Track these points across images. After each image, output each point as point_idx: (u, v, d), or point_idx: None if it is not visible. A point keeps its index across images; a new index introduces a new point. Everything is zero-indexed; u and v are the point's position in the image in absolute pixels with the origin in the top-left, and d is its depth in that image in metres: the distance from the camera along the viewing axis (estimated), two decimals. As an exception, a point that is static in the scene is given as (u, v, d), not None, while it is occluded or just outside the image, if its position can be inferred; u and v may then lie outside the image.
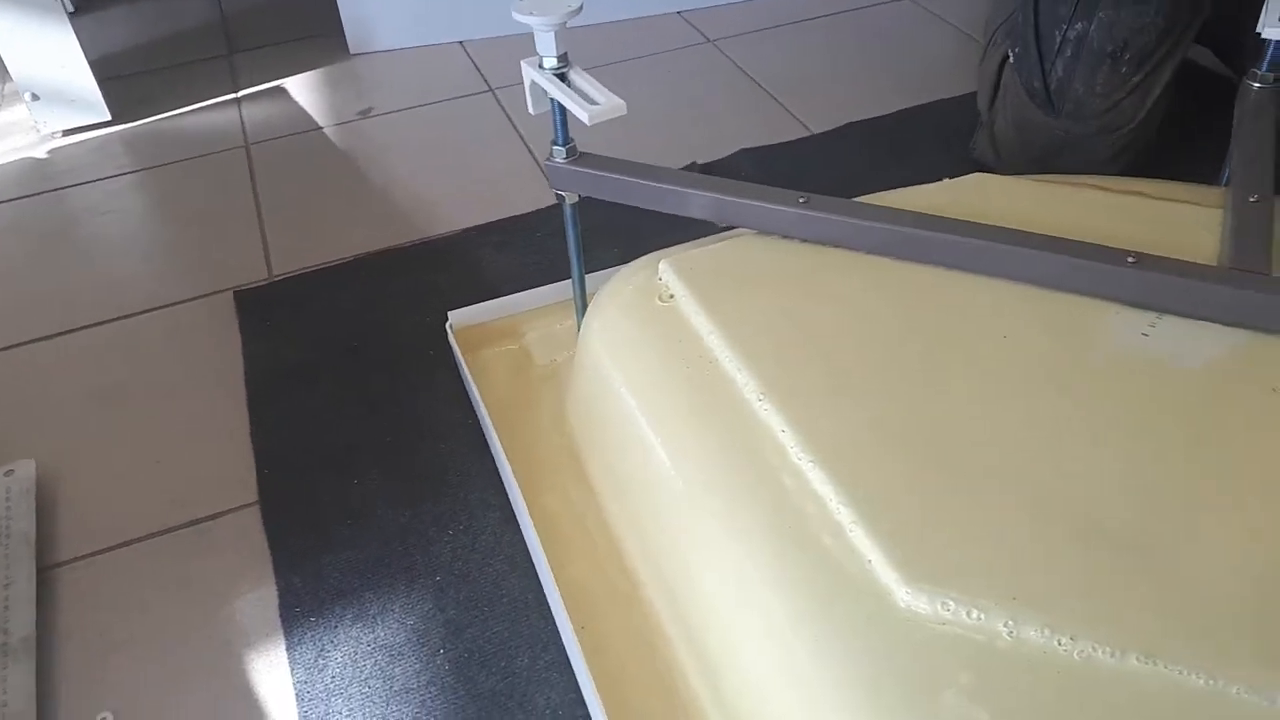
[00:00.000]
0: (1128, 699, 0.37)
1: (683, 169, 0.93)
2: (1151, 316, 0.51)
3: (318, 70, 1.16)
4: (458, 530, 0.61)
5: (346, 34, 1.17)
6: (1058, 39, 0.78)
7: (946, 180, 0.64)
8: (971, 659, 0.38)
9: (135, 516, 0.65)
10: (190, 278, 0.85)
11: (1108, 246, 0.52)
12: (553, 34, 0.57)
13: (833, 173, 0.91)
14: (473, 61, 1.14)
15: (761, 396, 0.49)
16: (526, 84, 0.60)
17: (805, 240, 0.59)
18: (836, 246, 0.58)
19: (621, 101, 0.57)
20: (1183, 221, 0.57)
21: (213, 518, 0.64)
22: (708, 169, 0.92)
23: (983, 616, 0.39)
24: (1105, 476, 0.44)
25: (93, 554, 0.62)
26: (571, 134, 0.61)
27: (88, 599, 0.60)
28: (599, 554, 0.57)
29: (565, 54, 0.59)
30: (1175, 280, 0.51)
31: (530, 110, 0.60)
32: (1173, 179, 0.66)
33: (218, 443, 0.70)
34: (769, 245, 0.59)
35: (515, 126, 1.02)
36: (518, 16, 0.57)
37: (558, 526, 0.59)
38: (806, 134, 0.96)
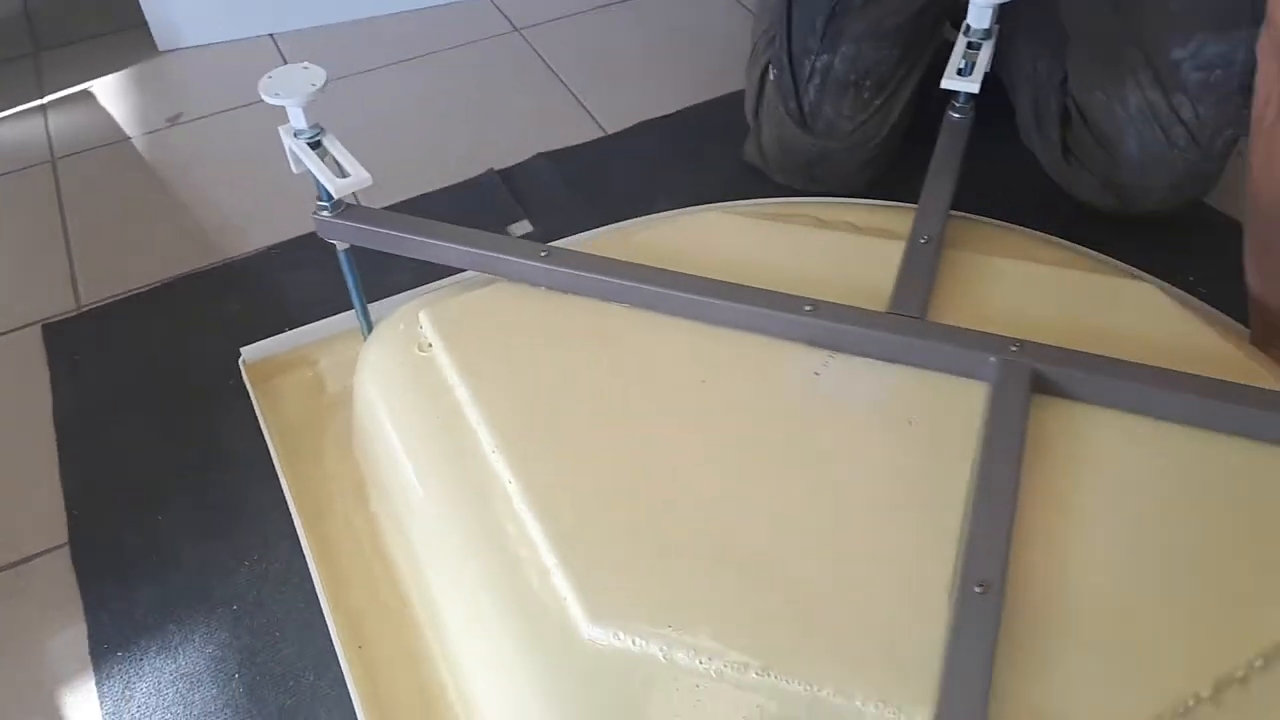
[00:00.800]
0: (751, 709, 0.46)
1: (481, 175, 0.98)
2: (825, 355, 0.60)
3: (128, 70, 1.16)
4: (253, 560, 0.68)
5: (151, 29, 1.16)
6: (808, 67, 0.85)
7: (684, 218, 0.72)
8: (633, 682, 0.48)
9: (-51, 564, 0.69)
10: (-5, 312, 0.88)
11: (791, 295, 0.61)
12: (300, 110, 0.62)
13: (623, 177, 0.97)
14: (283, 58, 1.16)
15: (495, 449, 0.57)
16: (285, 147, 0.65)
17: (550, 288, 0.66)
18: (576, 294, 0.65)
19: (367, 175, 0.63)
20: (873, 259, 0.66)
21: (24, 561, 0.70)
22: (505, 175, 0.98)
23: (644, 643, 0.48)
24: (765, 506, 0.53)
25: (-90, 603, 0.67)
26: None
27: (-94, 647, 0.65)
28: (375, 578, 0.65)
29: (317, 124, 0.64)
30: (843, 326, 0.59)
31: (292, 169, 0.65)
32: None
33: (28, 485, 0.74)
34: (521, 293, 0.66)
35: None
36: (266, 98, 0.61)
37: (338, 552, 0.66)
38: (601, 134, 1.02)
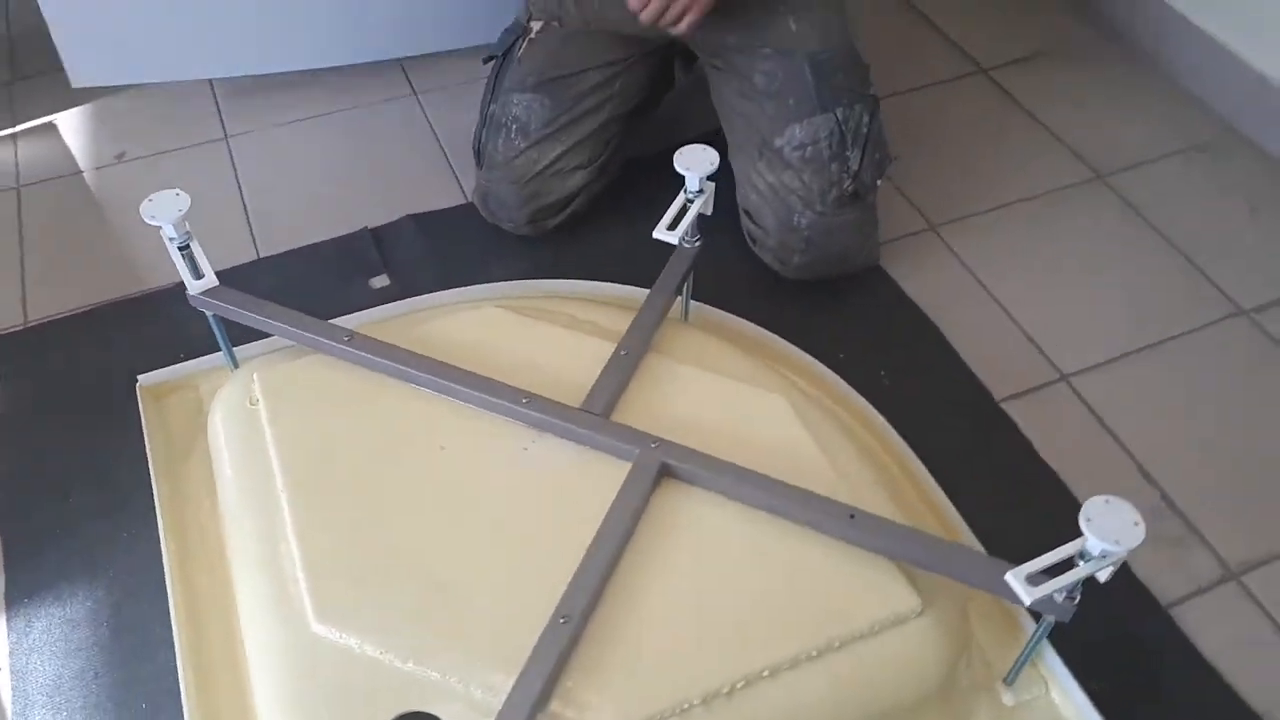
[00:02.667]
0: (401, 688, 0.71)
1: (356, 232, 1.21)
2: (534, 435, 0.84)
3: (89, 105, 1.38)
4: (131, 535, 0.93)
5: (67, 68, 1.29)
6: (482, 114, 1.16)
7: (466, 314, 0.95)
8: (341, 666, 0.72)
9: None
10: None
11: (515, 388, 0.84)
12: (171, 225, 0.85)
13: (476, 241, 1.20)
14: (217, 105, 1.38)
15: (281, 489, 0.81)
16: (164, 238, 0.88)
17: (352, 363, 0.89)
18: (368, 369, 0.89)
19: (214, 280, 0.86)
20: (590, 360, 0.89)
21: (-36, 527, 0.95)
22: (376, 233, 1.21)
23: (349, 639, 0.73)
24: (462, 546, 0.78)
25: None
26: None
27: None
28: (211, 562, 0.89)
29: (187, 234, 0.87)
30: (545, 416, 0.83)
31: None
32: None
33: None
34: (331, 364, 0.89)
35: (237, 178, 1.28)
36: (145, 219, 0.84)
37: (188, 537, 0.89)
38: (464, 202, 1.25)
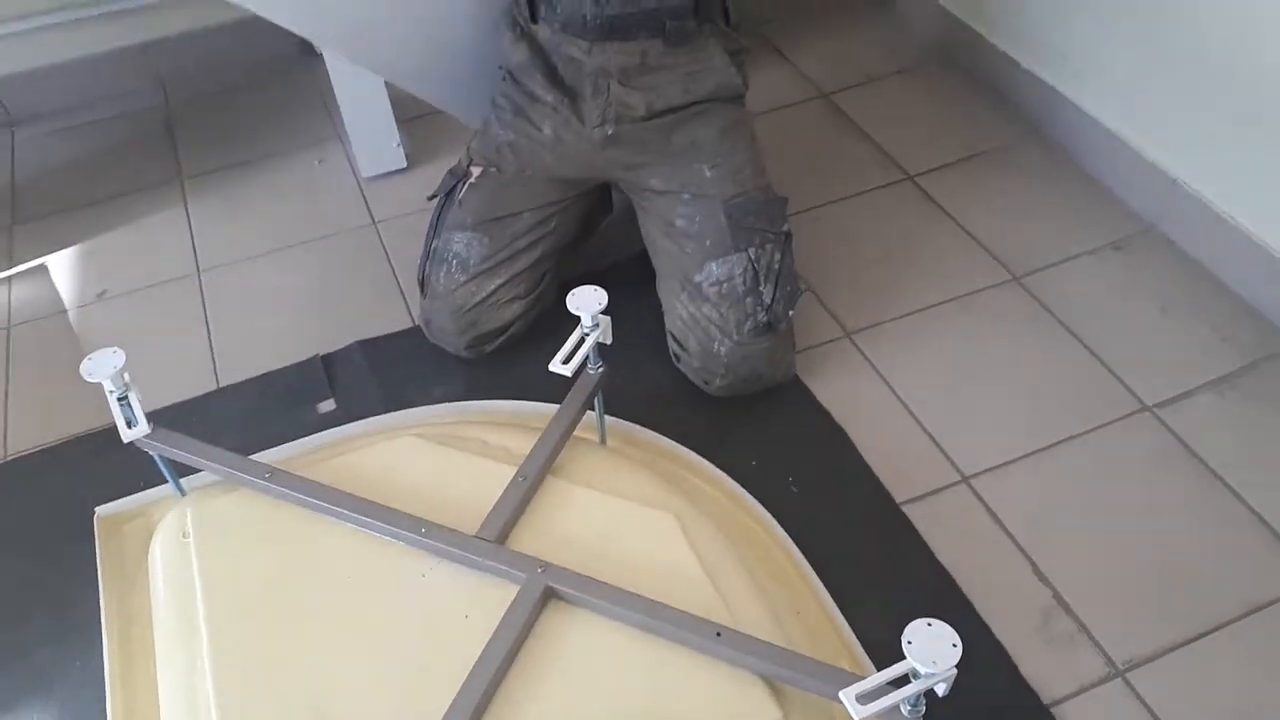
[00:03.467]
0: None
1: (308, 360, 1.30)
2: (433, 562, 0.91)
3: (80, 245, 1.51)
4: (84, 661, 1.01)
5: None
6: (427, 244, 1.24)
7: (382, 446, 1.03)
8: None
9: None
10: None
11: (414, 517, 0.91)
12: (109, 381, 0.94)
13: (418, 366, 1.28)
14: (192, 238, 1.50)
15: (203, 634, 0.88)
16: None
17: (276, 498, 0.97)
18: (288, 502, 0.96)
19: (147, 428, 0.95)
20: (491, 485, 0.96)
21: (-67, 655, 1.03)
22: (327, 359, 1.30)
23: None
24: (358, 668, 0.84)
25: None
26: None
27: None
28: (150, 680, 0.96)
29: (125, 385, 0.96)
30: (441, 544, 0.90)
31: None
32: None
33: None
34: (257, 499, 0.97)
35: (205, 312, 1.39)
36: (85, 376, 0.93)
37: (133, 657, 0.97)
38: (412, 326, 1.34)
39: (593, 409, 1.07)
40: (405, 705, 0.82)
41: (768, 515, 1.05)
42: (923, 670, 0.70)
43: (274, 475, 0.96)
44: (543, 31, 1.16)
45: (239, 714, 0.82)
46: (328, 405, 1.24)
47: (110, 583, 1.04)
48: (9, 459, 1.22)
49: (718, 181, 1.16)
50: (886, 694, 0.72)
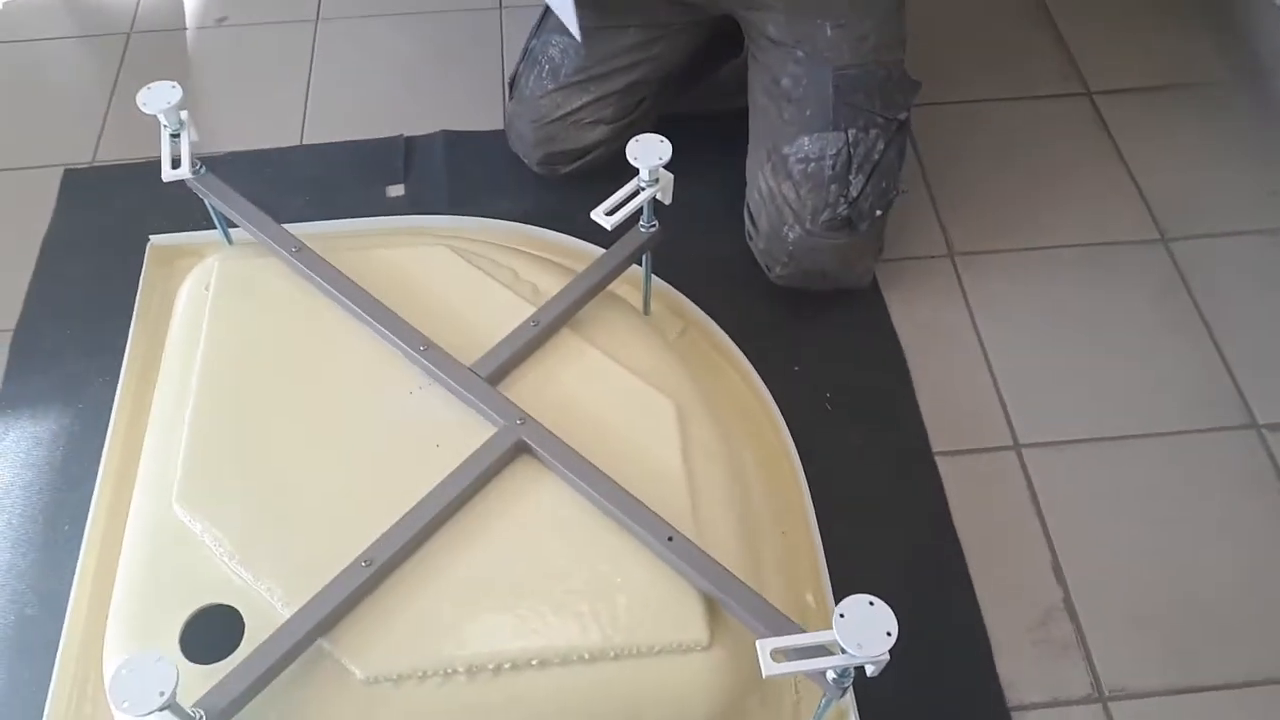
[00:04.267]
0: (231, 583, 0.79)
1: (393, 137, 1.26)
2: (423, 380, 0.88)
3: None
4: (108, 377, 1.05)
5: None
6: (522, 48, 1.17)
7: (414, 250, 0.99)
8: (188, 547, 0.81)
9: None
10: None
11: (417, 332, 0.88)
12: (163, 115, 0.92)
13: (493, 167, 1.22)
14: (320, -14, 1.45)
15: (193, 388, 0.89)
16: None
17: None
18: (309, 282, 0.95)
19: (189, 173, 0.93)
20: (505, 318, 0.91)
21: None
22: (410, 141, 1.26)
23: (197, 525, 0.81)
24: (332, 464, 0.84)
25: None
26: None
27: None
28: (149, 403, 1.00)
29: (180, 123, 0.94)
30: (434, 367, 0.87)
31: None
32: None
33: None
34: (283, 270, 0.96)
35: (312, 61, 1.35)
36: (140, 106, 0.91)
37: (147, 380, 1.01)
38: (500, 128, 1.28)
39: (639, 267, 1.01)
40: (350, 518, 0.81)
41: (784, 426, 0.99)
42: (846, 649, 0.65)
43: (301, 251, 0.94)
44: None
45: (201, 474, 0.84)
46: (397, 190, 1.21)
47: (144, 313, 1.06)
48: (95, 165, 1.25)
49: (836, 44, 1.02)
50: (803, 659, 0.67)
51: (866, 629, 0.64)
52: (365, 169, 1.23)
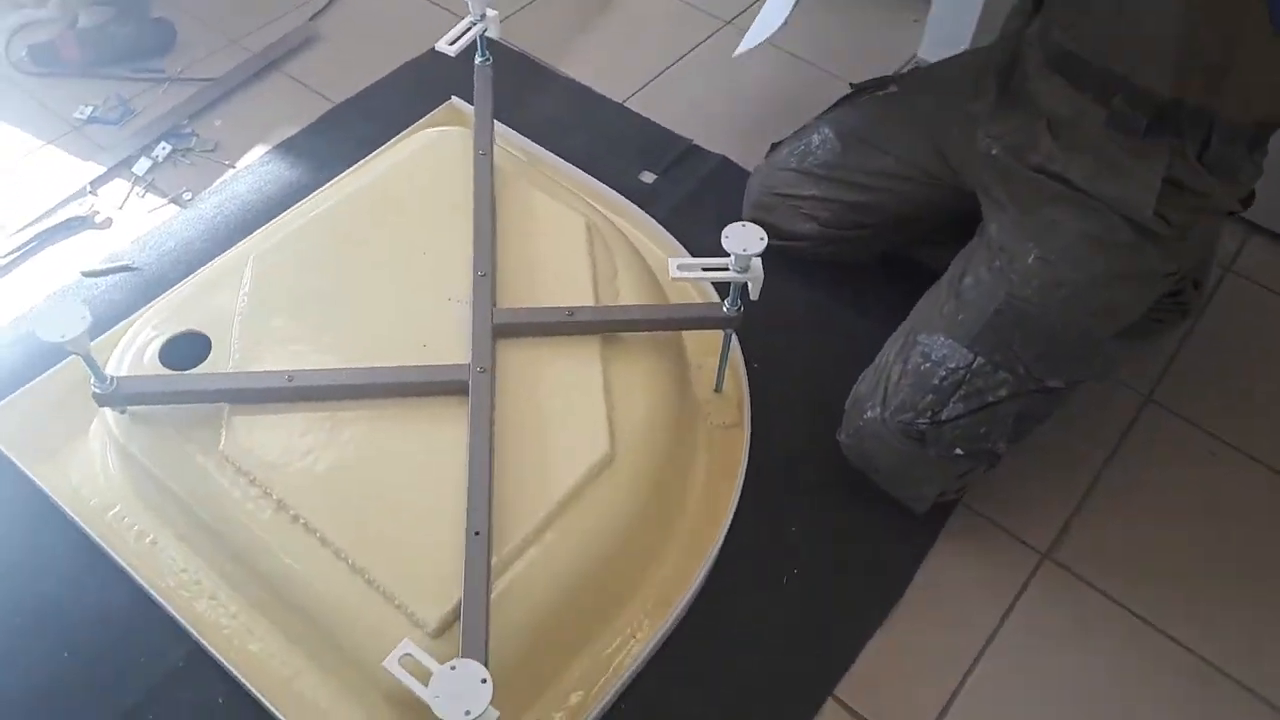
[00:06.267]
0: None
1: (683, 137, 1.34)
2: (463, 296, 0.97)
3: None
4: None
5: None
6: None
7: (561, 206, 1.07)
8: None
9: None
10: None
11: (491, 261, 0.97)
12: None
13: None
14: None
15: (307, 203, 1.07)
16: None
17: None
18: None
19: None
20: (568, 290, 0.97)
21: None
22: (692, 149, 1.33)
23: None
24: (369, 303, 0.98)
25: None
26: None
27: None
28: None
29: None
30: (472, 293, 0.96)
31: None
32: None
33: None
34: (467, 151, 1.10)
35: None
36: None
37: None
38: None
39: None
40: (323, 335, 0.94)
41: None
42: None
43: (484, 156, 1.07)
44: (1034, 26, 0.96)
45: (273, 255, 1.01)
46: (648, 177, 1.30)
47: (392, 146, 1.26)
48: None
49: (1030, 274, 0.92)
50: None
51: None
52: (643, 148, 1.34)
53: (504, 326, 0.95)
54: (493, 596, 0.79)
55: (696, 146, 1.34)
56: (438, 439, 0.88)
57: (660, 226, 1.20)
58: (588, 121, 1.37)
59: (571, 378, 0.93)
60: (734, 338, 1.03)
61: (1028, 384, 0.91)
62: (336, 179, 1.20)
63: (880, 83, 1.15)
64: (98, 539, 0.94)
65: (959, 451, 0.92)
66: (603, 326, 0.96)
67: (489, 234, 1.01)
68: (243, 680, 0.87)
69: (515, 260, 1.01)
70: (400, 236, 1.04)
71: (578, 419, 0.90)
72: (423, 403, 0.91)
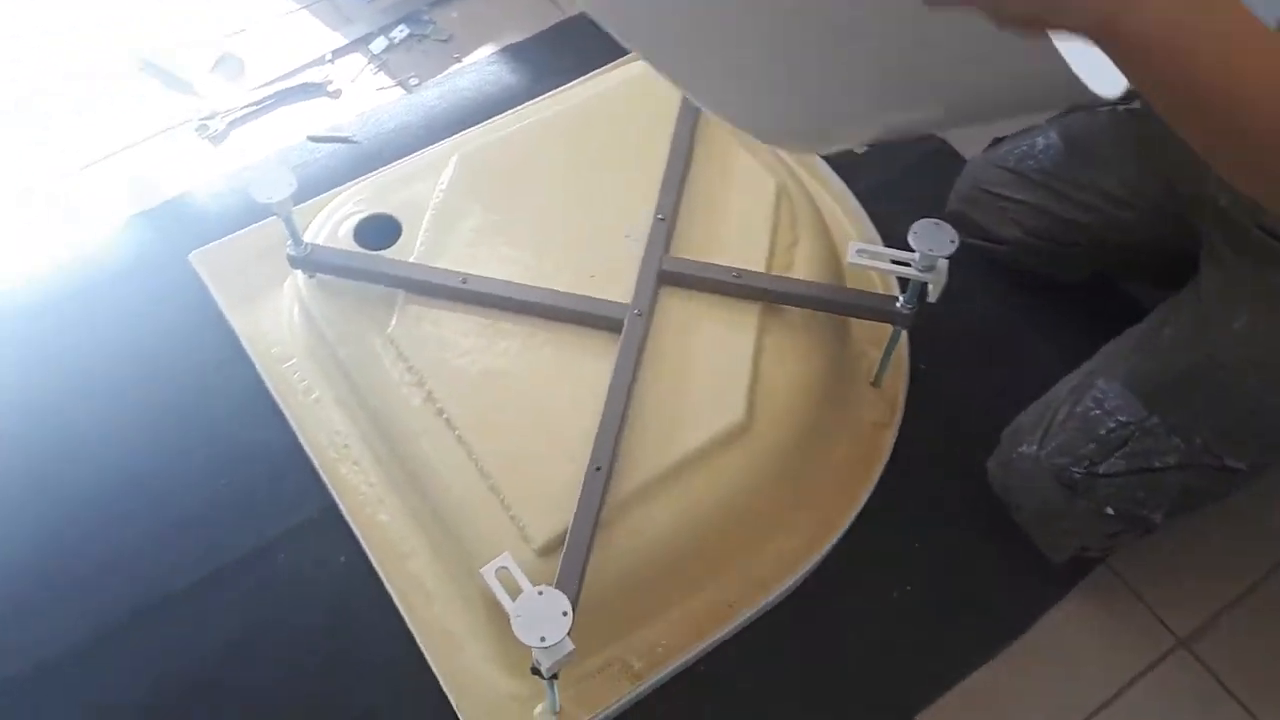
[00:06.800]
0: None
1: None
2: (639, 235, 0.97)
3: None
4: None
5: None
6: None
7: (758, 160, 1.05)
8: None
9: None
10: None
11: (674, 207, 0.98)
12: None
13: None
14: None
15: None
16: None
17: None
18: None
19: None
20: (744, 251, 0.96)
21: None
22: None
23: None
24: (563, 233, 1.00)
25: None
26: None
27: None
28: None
29: None
30: (647, 234, 0.96)
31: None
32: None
33: None
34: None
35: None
36: None
37: None
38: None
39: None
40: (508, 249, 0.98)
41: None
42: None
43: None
44: None
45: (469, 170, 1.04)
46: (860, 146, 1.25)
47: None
48: None
49: (1234, 339, 0.84)
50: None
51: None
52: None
53: (670, 274, 0.95)
54: (599, 533, 0.81)
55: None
56: (584, 370, 0.90)
57: (858, 203, 1.16)
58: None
59: (724, 339, 0.93)
60: (904, 334, 1.00)
61: (1203, 457, 0.84)
62: (552, 93, 1.22)
63: (1125, 97, 1.05)
64: (270, 385, 1.03)
65: (1110, 510, 0.87)
66: (767, 295, 0.95)
67: (678, 179, 1.01)
68: (365, 546, 0.94)
69: (698, 209, 1.01)
70: (595, 165, 1.05)
71: (720, 381, 0.90)
72: (579, 331, 0.93)
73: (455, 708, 0.86)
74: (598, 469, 0.82)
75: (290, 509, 0.98)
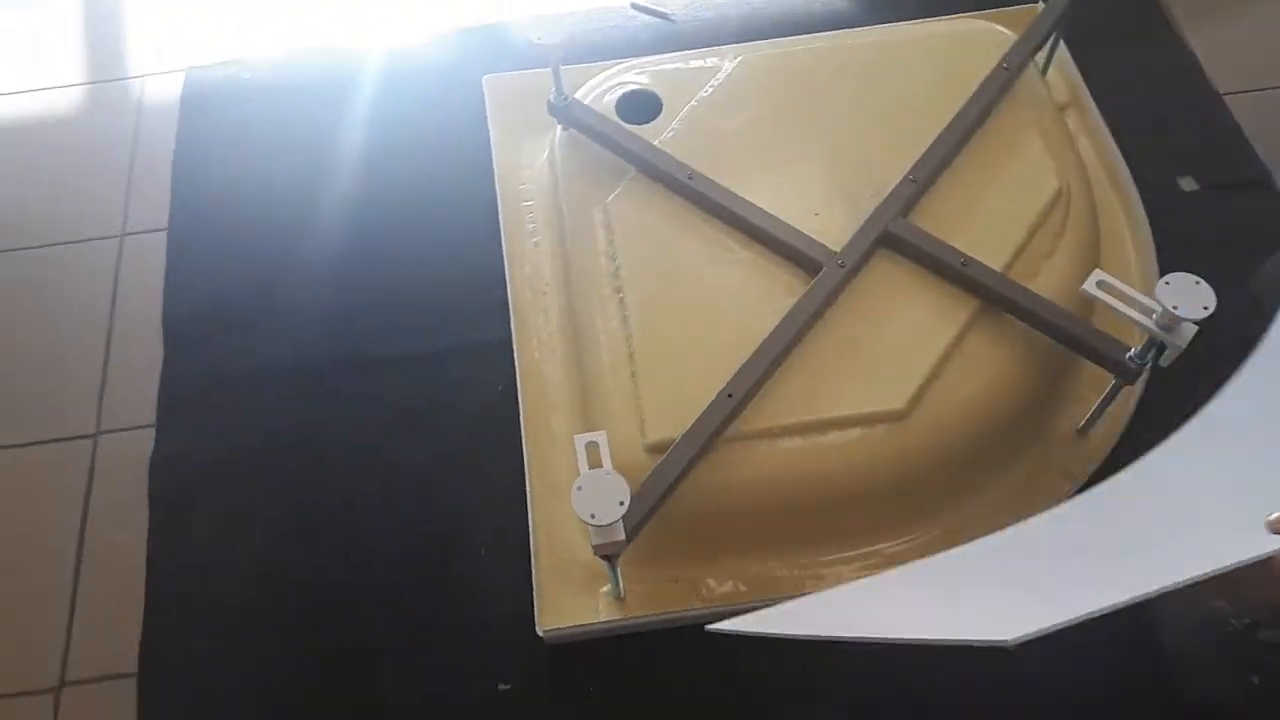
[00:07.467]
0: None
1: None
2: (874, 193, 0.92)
3: None
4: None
5: None
6: None
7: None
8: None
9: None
10: None
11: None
12: None
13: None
14: None
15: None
16: None
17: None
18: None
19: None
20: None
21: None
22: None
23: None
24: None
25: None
26: None
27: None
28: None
29: None
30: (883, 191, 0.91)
31: None
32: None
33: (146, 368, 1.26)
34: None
35: None
36: None
37: None
38: None
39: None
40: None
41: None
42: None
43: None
44: None
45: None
46: (1189, 184, 1.10)
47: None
48: None
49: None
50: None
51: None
52: (1205, 151, 1.13)
53: (893, 237, 0.90)
54: (706, 456, 0.81)
55: (1269, 176, 1.10)
56: (766, 302, 0.88)
57: (1151, 241, 1.02)
58: (1159, 94, 1.18)
59: (922, 323, 0.87)
60: (1138, 391, 0.88)
61: None
62: (867, 28, 1.17)
63: None
64: (501, 215, 1.09)
65: (1255, 680, 0.73)
66: (986, 294, 0.87)
67: (949, 148, 0.94)
68: (519, 382, 0.99)
69: (957, 185, 0.94)
70: (871, 110, 1.00)
71: (896, 363, 0.85)
72: (778, 262, 0.91)
73: (533, 554, 0.90)
74: (729, 395, 0.81)
75: (475, 330, 1.05)
